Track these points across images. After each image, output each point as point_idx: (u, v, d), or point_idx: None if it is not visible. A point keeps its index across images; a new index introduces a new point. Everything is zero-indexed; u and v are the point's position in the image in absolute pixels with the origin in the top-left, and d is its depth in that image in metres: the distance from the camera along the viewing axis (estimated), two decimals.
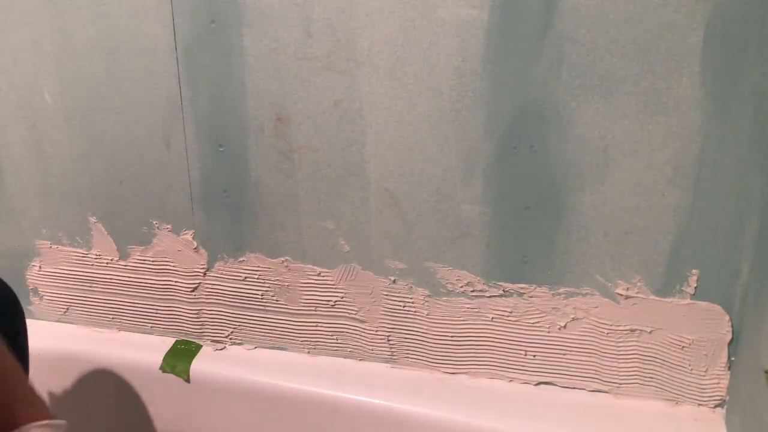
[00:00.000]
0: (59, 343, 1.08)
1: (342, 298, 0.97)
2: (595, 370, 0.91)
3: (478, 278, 0.90)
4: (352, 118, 0.86)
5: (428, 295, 0.93)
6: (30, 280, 1.10)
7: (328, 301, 0.97)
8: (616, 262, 0.85)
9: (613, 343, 0.88)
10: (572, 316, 0.89)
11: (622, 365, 0.89)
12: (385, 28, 0.80)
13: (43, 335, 1.09)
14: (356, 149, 0.88)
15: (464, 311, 0.92)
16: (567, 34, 0.76)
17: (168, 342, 1.06)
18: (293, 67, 0.85)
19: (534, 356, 0.92)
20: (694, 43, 0.73)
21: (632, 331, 0.87)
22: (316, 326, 1.00)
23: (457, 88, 0.81)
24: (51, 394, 1.09)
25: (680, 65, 0.74)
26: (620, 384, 0.90)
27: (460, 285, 0.91)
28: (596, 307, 0.87)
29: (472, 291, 0.91)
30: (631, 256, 0.84)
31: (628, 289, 0.86)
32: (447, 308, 0.93)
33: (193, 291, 1.03)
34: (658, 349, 0.87)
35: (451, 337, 0.94)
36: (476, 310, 0.92)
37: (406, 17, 0.79)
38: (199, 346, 1.05)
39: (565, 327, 0.90)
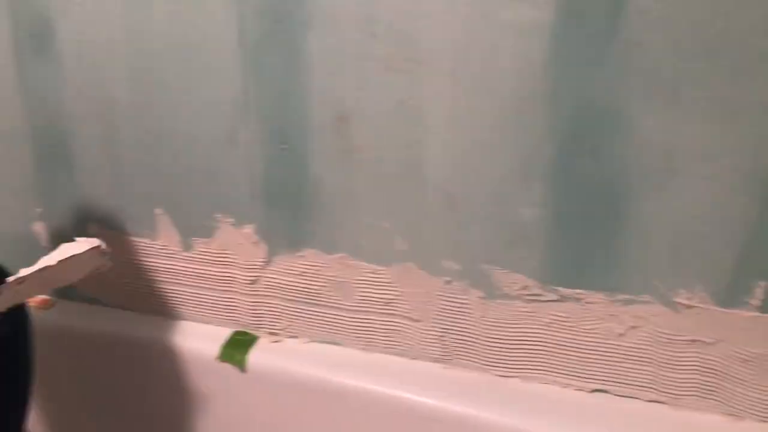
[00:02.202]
0: (122, 329, 1.12)
1: (396, 296, 0.97)
2: (652, 380, 0.89)
3: (535, 282, 0.89)
4: (412, 118, 0.87)
5: (483, 297, 0.93)
6: None
7: (383, 298, 0.98)
8: (678, 271, 0.83)
9: (672, 353, 0.86)
10: (630, 324, 0.87)
11: (681, 376, 0.87)
12: (448, 29, 0.81)
13: (107, 321, 1.14)
14: (415, 149, 0.88)
15: (519, 315, 0.92)
16: (634, 38, 0.75)
17: (226, 332, 1.09)
18: (355, 67, 0.86)
19: (589, 363, 0.91)
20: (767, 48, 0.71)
21: (693, 341, 0.85)
22: (370, 323, 1.01)
23: (518, 90, 0.81)
24: (112, 379, 1.14)
25: (752, 70, 0.72)
26: (678, 395, 0.88)
27: (516, 288, 0.90)
28: (655, 316, 0.86)
29: (528, 295, 0.90)
30: (693, 264, 0.82)
31: (689, 298, 0.84)
32: (502, 311, 0.92)
33: (252, 283, 1.05)
34: (719, 362, 0.85)
35: (505, 340, 0.94)
36: (531, 314, 0.91)
37: (468, 18, 0.79)
38: (256, 338, 1.07)
39: (622, 334, 0.88)
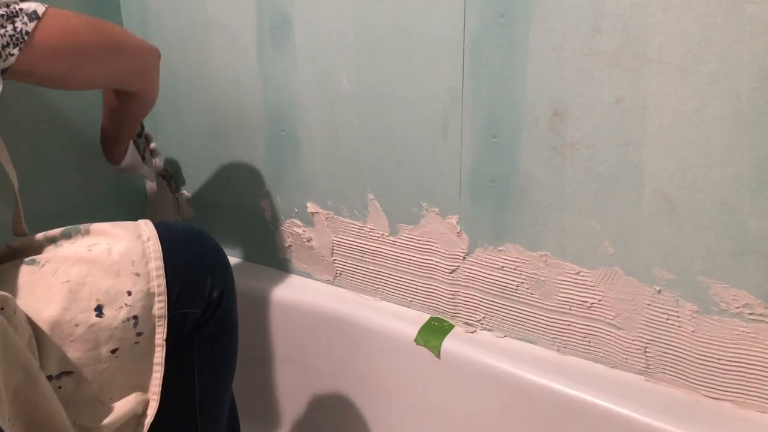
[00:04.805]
0: (328, 302, 1.20)
1: (599, 301, 0.94)
2: None
3: (760, 301, 0.82)
4: (632, 116, 0.83)
5: (696, 311, 0.87)
6: None
7: (585, 302, 0.96)
8: None
9: None
10: None
11: None
12: (683, 25, 0.76)
13: (316, 294, 1.22)
14: (633, 149, 0.84)
15: (737, 334, 0.85)
16: None
17: (423, 317, 1.12)
18: (576, 63, 0.85)
19: None
20: None
21: None
22: (569, 325, 0.98)
23: (759, 91, 0.74)
24: (311, 344, 1.22)
25: None
26: None
27: (736, 305, 0.83)
28: None
29: (750, 314, 0.83)
30: None
31: None
32: (717, 328, 0.86)
33: (451, 273, 1.08)
34: None
35: (719, 360, 0.87)
36: (752, 335, 0.84)
37: (707, 13, 0.74)
38: (452, 326, 1.10)
39: None
